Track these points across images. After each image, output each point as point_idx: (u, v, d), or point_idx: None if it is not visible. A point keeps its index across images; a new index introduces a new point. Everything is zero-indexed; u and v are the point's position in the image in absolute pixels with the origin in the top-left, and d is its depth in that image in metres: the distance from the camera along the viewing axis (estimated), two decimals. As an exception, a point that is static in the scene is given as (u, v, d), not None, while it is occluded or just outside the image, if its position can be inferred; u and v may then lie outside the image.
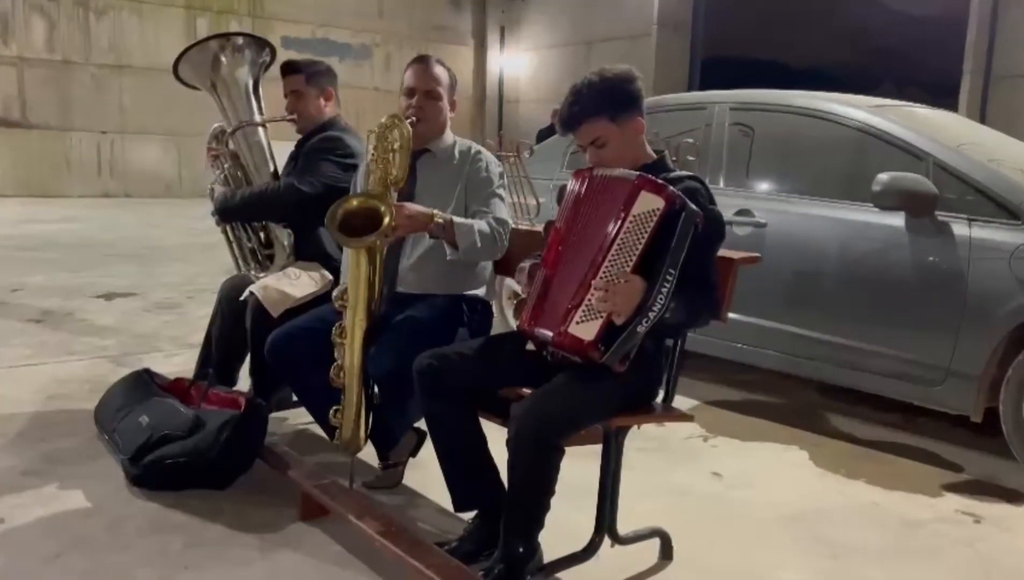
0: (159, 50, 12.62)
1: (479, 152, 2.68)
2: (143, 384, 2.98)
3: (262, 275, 3.08)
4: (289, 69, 3.18)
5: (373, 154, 2.41)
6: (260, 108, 3.26)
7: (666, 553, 2.33)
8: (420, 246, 2.58)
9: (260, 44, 3.30)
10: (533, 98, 14.90)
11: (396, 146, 2.38)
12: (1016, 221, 3.01)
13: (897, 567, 2.38)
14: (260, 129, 3.23)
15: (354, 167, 2.91)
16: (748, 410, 3.76)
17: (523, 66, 15.27)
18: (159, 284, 6.12)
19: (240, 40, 3.25)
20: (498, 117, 15.67)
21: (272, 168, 3.23)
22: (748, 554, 2.41)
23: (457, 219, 2.43)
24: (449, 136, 2.71)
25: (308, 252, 3.08)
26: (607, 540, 2.18)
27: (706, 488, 2.89)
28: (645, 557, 2.30)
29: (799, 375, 3.71)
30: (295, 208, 2.97)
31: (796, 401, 3.93)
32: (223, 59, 3.19)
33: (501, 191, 2.64)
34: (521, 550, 2.00)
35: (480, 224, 2.46)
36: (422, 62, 2.65)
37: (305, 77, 3.15)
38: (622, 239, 1.94)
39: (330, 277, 2.95)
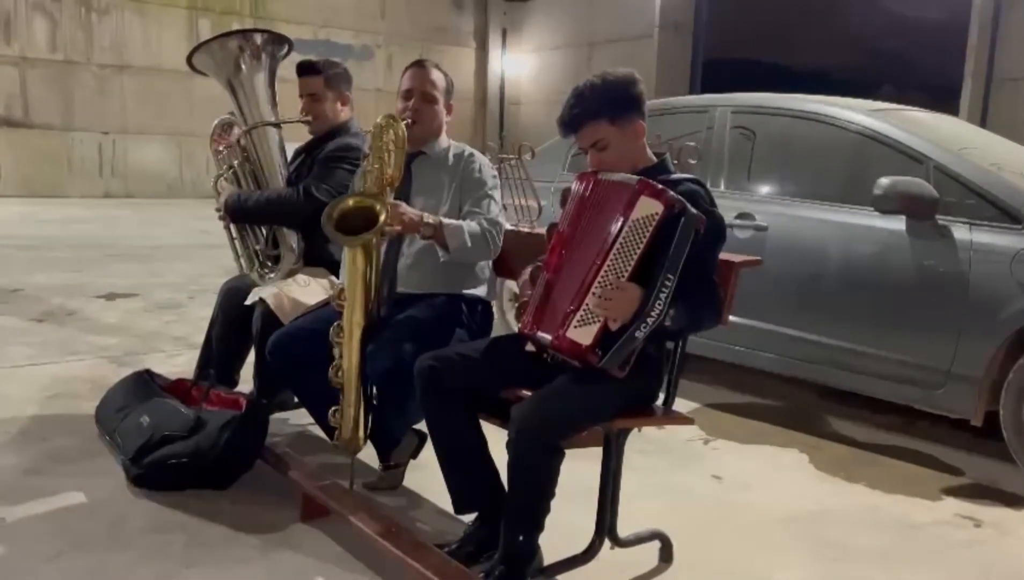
0: (161, 50, 12.65)
1: (472, 154, 2.71)
2: (144, 384, 2.98)
3: (270, 276, 3.07)
4: (308, 70, 3.12)
5: (369, 154, 2.42)
6: (276, 108, 3.20)
7: (666, 555, 2.33)
8: (416, 244, 2.60)
9: (279, 41, 3.21)
10: (535, 100, 14.91)
11: (392, 146, 2.40)
12: (1017, 225, 3.01)
13: (897, 570, 2.38)
14: (275, 130, 3.18)
15: None
16: (749, 413, 3.76)
17: (525, 68, 15.28)
18: (161, 284, 6.12)
19: (259, 39, 3.17)
20: (499, 119, 15.67)
21: (286, 172, 3.19)
22: (748, 556, 2.41)
23: (446, 220, 2.44)
24: (444, 139, 2.74)
25: (317, 258, 3.07)
26: (607, 542, 2.18)
27: (706, 490, 2.89)
28: (645, 559, 2.31)
29: (799, 378, 3.71)
30: (310, 215, 2.94)
31: (796, 404, 3.94)
32: (243, 58, 3.12)
33: (494, 192, 2.65)
34: (521, 552, 2.01)
35: (471, 225, 2.47)
36: (419, 66, 2.68)
37: (324, 80, 3.11)
38: (621, 243, 1.94)
39: (340, 284, 2.94)
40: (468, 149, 2.73)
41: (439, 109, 2.68)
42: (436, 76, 2.66)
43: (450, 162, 2.68)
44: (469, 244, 2.44)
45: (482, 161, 2.70)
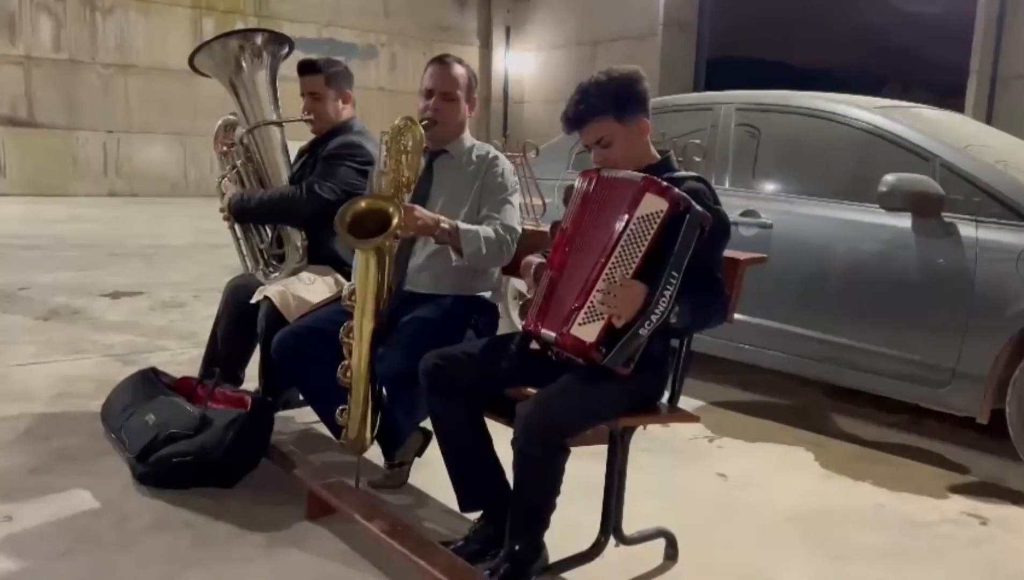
0: (165, 50, 12.67)
1: (496, 157, 2.68)
2: (149, 383, 2.99)
3: (274, 275, 3.07)
4: (308, 69, 3.12)
5: (385, 156, 2.41)
6: (278, 107, 3.20)
7: (671, 553, 2.33)
8: (429, 246, 2.59)
9: (280, 41, 3.22)
10: (538, 98, 14.90)
11: (409, 148, 2.39)
12: (1023, 222, 3.00)
13: (902, 568, 2.38)
14: (277, 129, 3.18)
15: None
16: (754, 411, 3.75)
17: (528, 66, 15.27)
18: (165, 283, 6.13)
19: (260, 38, 3.16)
20: (503, 117, 15.67)
21: (290, 171, 3.19)
22: (753, 555, 2.41)
23: (463, 225, 2.43)
24: (468, 138, 2.72)
25: (321, 256, 3.07)
26: (612, 540, 2.18)
27: (711, 489, 2.89)
28: (650, 557, 2.30)
29: (805, 376, 3.70)
30: (314, 213, 2.94)
31: (802, 402, 3.93)
32: (244, 57, 3.11)
33: (514, 198, 2.63)
34: (526, 550, 2.01)
35: (487, 230, 2.46)
36: (441, 63, 2.65)
37: (325, 79, 3.10)
38: (626, 241, 1.94)
39: (344, 282, 2.93)
40: (492, 151, 2.70)
41: (461, 107, 2.66)
42: (458, 72, 2.64)
43: (473, 163, 2.67)
44: (484, 251, 2.43)
45: (505, 165, 2.67)
